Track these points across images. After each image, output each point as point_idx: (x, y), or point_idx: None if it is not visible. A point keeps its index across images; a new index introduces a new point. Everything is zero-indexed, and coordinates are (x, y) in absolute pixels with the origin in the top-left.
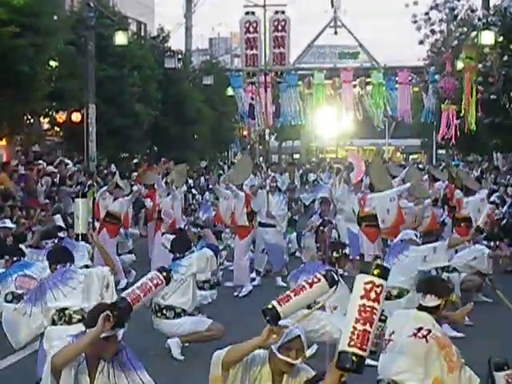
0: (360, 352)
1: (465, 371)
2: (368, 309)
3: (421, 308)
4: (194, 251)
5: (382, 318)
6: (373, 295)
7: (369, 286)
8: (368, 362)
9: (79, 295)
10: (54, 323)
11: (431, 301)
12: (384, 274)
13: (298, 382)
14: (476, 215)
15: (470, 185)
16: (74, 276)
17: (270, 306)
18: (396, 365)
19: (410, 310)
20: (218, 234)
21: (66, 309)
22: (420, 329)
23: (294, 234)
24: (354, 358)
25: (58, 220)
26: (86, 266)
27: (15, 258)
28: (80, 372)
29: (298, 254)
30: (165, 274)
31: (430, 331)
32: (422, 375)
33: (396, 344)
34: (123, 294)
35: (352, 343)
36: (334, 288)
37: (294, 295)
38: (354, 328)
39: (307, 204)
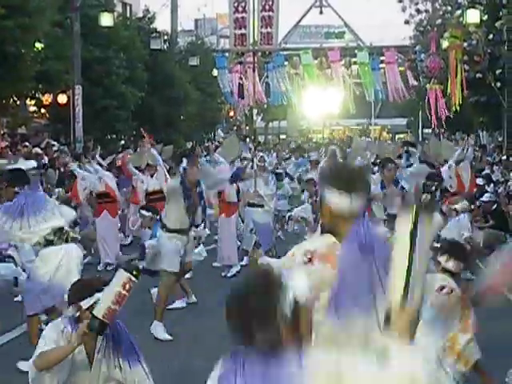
0: None
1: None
2: None
3: (444, 270)
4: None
5: None
6: None
7: None
8: None
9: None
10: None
11: (456, 265)
12: None
13: None
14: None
15: (444, 153)
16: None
17: None
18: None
19: (434, 274)
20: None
21: (62, 228)
22: (443, 287)
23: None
24: None
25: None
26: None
27: None
28: (77, 353)
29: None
30: (135, 272)
31: (452, 290)
32: (443, 329)
33: None
34: (96, 312)
35: None
36: None
37: None
38: None
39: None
